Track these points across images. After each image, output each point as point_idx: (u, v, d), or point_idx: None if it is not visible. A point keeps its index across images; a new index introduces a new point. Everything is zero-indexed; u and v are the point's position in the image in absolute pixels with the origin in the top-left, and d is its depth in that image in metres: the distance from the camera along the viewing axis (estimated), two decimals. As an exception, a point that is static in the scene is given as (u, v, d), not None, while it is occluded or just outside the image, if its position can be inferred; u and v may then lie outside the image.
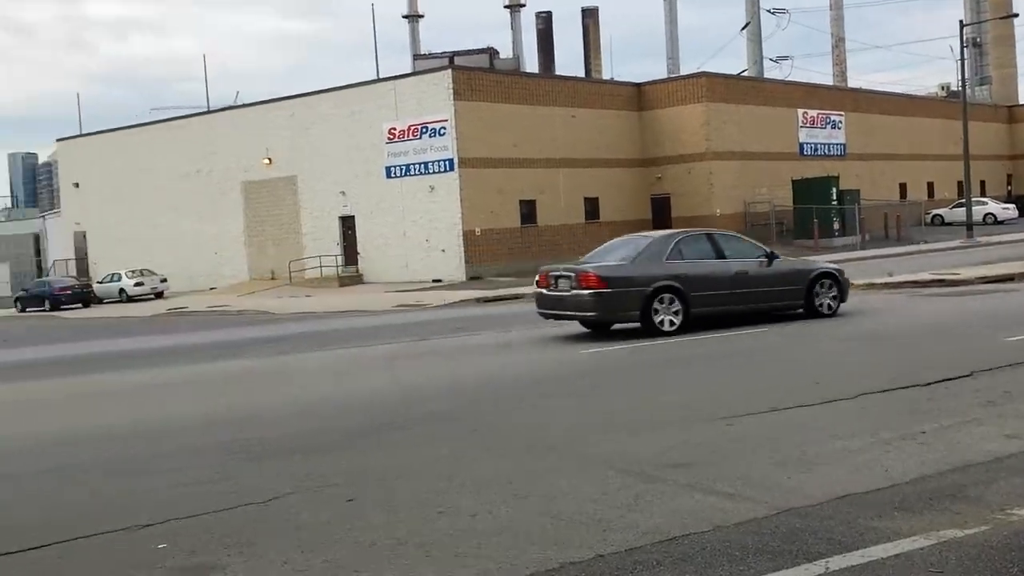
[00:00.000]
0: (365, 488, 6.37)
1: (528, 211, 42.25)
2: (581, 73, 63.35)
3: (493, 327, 19.20)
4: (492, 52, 56.11)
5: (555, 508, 5.62)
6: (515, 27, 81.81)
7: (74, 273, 53.44)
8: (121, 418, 10.32)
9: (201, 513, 5.94)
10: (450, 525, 5.41)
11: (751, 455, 6.63)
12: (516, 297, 30.75)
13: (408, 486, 6.37)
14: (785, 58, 71.30)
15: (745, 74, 62.42)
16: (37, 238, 66.62)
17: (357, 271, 43.03)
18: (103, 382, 14.39)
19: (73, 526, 5.87)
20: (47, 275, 55.92)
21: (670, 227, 46.90)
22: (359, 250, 43.14)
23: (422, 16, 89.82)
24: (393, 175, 41.62)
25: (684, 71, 58.02)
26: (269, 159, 45.63)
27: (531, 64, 75.64)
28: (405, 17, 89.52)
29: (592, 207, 45.03)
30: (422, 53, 67.33)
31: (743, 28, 65.31)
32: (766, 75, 63.16)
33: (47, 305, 44.19)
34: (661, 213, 47.17)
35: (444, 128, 39.72)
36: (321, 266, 43.16)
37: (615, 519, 5.33)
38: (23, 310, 44.93)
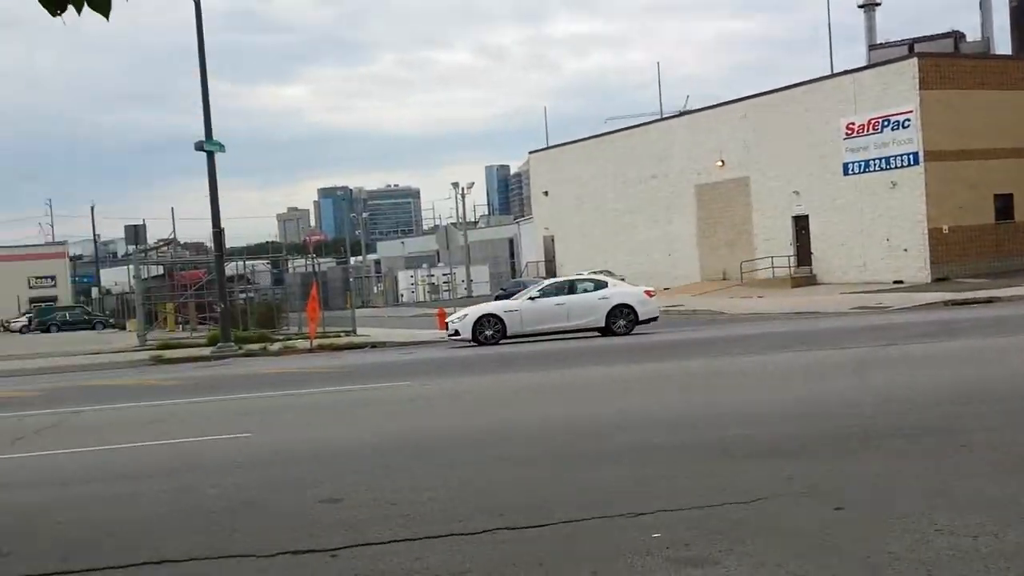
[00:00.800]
0: (852, 496, 6.25)
1: (1004, 206, 38.46)
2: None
3: (967, 334, 17.80)
4: (958, 36, 51.51)
5: (1073, 538, 5.14)
6: (984, 7, 74.55)
7: (543, 274, 58.07)
8: (606, 409, 11.08)
9: (689, 507, 6.17)
10: (950, 545, 5.16)
11: None
12: (990, 300, 28.23)
13: (897, 499, 6.16)
14: None
15: None
16: (511, 242, 73.63)
17: (810, 272, 42.01)
18: (569, 376, 15.53)
19: (570, 508, 6.29)
20: (520, 276, 61.43)
21: None
22: (812, 250, 42.09)
23: (879, 3, 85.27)
24: (851, 172, 40.07)
25: None
26: (722, 161, 46.13)
27: (1003, 47, 68.40)
28: (861, 7, 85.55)
29: (1084, 199, 39.87)
30: (878, 43, 63.75)
31: None
32: None
33: (522, 303, 48.57)
34: None
35: (908, 120, 37.44)
36: (773, 267, 42.74)
37: None
38: (502, 308, 49.79)
